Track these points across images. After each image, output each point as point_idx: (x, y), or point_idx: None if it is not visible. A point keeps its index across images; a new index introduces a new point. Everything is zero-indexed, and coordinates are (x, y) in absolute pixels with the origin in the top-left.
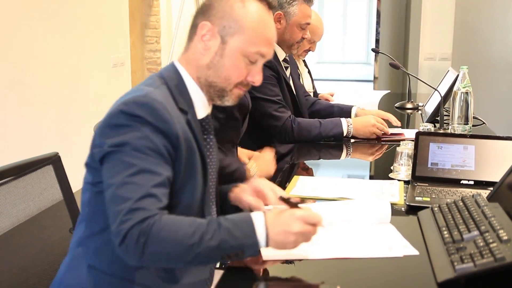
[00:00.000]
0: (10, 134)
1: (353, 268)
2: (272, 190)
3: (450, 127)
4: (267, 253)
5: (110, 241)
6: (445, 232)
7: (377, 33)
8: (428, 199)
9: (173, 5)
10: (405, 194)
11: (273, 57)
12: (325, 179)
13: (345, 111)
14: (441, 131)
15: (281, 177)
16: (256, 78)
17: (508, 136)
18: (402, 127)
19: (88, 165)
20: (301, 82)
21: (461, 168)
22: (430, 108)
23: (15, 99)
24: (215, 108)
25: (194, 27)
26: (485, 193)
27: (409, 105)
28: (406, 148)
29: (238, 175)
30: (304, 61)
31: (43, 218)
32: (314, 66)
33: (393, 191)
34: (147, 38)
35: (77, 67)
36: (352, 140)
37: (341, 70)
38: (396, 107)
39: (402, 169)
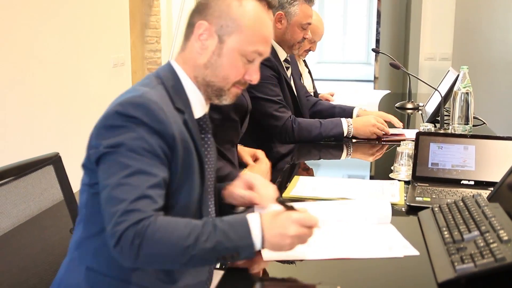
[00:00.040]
0: (11, 134)
1: (353, 268)
2: (264, 185)
3: (450, 127)
4: (267, 253)
5: (108, 243)
6: (446, 232)
7: (378, 33)
8: (429, 199)
9: (173, 5)
10: (405, 194)
11: (274, 57)
12: (326, 179)
13: (347, 112)
14: (442, 131)
15: (282, 177)
16: (254, 76)
17: (509, 136)
18: (402, 127)
19: (84, 166)
20: (302, 82)
21: (462, 168)
22: (430, 108)
23: (16, 99)
24: (211, 109)
25: (190, 26)
26: (485, 193)
27: (409, 105)
28: (406, 148)
29: (230, 180)
30: (304, 61)
31: (43, 218)
32: (315, 66)
33: (393, 191)
34: (147, 38)
35: (78, 67)
36: (354, 140)
37: (341, 70)
38: (397, 107)
39: (403, 169)
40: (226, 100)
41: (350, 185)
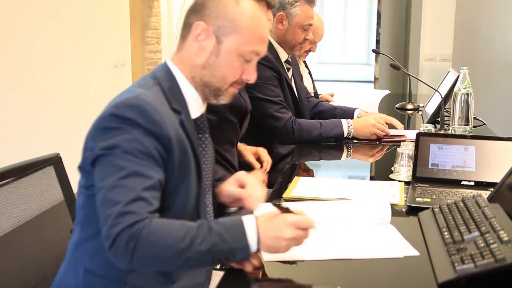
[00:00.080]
0: (11, 135)
1: (353, 268)
2: (255, 185)
3: (450, 128)
4: (268, 254)
5: (103, 245)
6: (446, 233)
7: (378, 34)
8: (429, 199)
9: (173, 5)
10: (405, 195)
11: (274, 58)
12: (326, 180)
13: (348, 113)
14: (442, 132)
15: (282, 178)
16: (251, 76)
17: (509, 137)
18: (403, 129)
19: (81, 168)
20: (303, 84)
21: (462, 169)
22: (430, 109)
23: (16, 99)
24: (207, 111)
25: (187, 26)
26: (485, 194)
27: (409, 106)
28: (406, 149)
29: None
30: (304, 62)
31: (44, 218)
32: (315, 67)
33: (393, 192)
34: (147, 39)
35: (78, 68)
36: (355, 141)
37: (341, 71)
38: (397, 108)
39: (403, 170)
40: (224, 100)
41: (350, 186)
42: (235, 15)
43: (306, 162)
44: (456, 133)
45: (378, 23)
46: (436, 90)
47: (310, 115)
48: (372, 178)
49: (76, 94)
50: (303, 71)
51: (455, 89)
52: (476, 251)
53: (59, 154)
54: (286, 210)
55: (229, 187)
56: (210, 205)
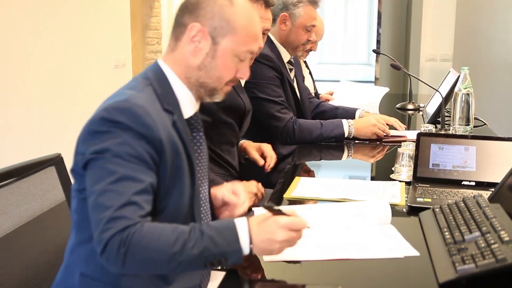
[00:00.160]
0: (13, 135)
1: (354, 269)
2: (242, 194)
3: (451, 128)
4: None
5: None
6: (447, 233)
7: (378, 34)
8: (430, 200)
9: (174, 6)
10: (406, 195)
11: (277, 58)
12: (327, 180)
13: (350, 113)
14: (442, 132)
15: (283, 178)
16: (246, 74)
17: (509, 137)
18: (405, 129)
19: (73, 171)
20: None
21: (462, 169)
22: (431, 109)
23: (17, 100)
24: (200, 112)
25: (181, 26)
26: (486, 194)
27: (410, 106)
28: (407, 149)
29: (213, 186)
30: (305, 62)
31: (45, 219)
32: (315, 67)
33: (394, 192)
34: (148, 39)
35: (79, 68)
36: (356, 141)
37: (342, 71)
38: (397, 108)
39: (404, 170)
40: (218, 98)
41: (351, 186)
42: (231, 15)
43: (306, 162)
44: (457, 133)
45: (379, 23)
46: (437, 90)
47: (312, 115)
48: (372, 178)
49: (77, 94)
50: (304, 71)
51: (456, 89)
52: (477, 251)
53: (60, 154)
54: (278, 212)
55: (223, 192)
56: (206, 202)
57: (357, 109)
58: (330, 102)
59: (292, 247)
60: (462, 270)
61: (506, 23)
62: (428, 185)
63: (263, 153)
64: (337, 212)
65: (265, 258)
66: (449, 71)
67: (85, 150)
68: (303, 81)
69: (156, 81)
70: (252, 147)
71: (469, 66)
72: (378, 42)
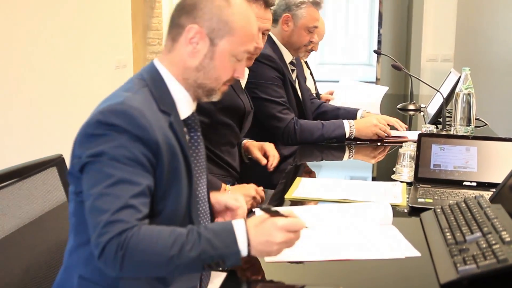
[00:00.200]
0: (14, 136)
1: (355, 269)
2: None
3: (452, 128)
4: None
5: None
6: (448, 234)
7: (379, 34)
8: (431, 200)
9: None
10: (407, 196)
11: (279, 58)
12: (328, 180)
13: (351, 114)
14: (444, 133)
15: (284, 179)
16: (242, 74)
17: (511, 137)
18: (407, 129)
19: (70, 174)
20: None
21: (464, 169)
22: (432, 109)
23: (18, 101)
24: (198, 113)
25: (178, 27)
26: (487, 194)
27: (411, 107)
28: (408, 150)
29: (211, 187)
30: (306, 62)
31: (47, 219)
32: (316, 68)
33: (395, 192)
34: (149, 40)
35: (80, 69)
36: (358, 142)
37: (343, 72)
38: (398, 109)
39: (405, 170)
40: (215, 98)
41: (352, 187)
42: (229, 16)
43: (308, 163)
44: (458, 133)
45: (380, 24)
46: (438, 91)
47: (313, 116)
48: (374, 179)
49: (79, 95)
50: (305, 72)
51: (457, 90)
52: (478, 252)
53: (62, 155)
54: (275, 214)
55: (226, 197)
56: (205, 202)
57: (358, 109)
58: (330, 102)
59: (291, 248)
60: (463, 270)
61: (507, 23)
62: (429, 186)
63: (266, 152)
64: (338, 213)
65: (266, 259)
66: (450, 72)
67: (82, 154)
68: (305, 82)
69: (152, 82)
70: (254, 147)
71: (470, 66)
72: (379, 42)
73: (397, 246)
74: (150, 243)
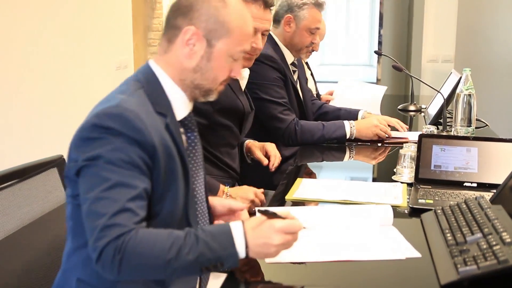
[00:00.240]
0: (15, 137)
1: (355, 270)
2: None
3: (453, 129)
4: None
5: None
6: (448, 235)
7: (380, 35)
8: (431, 201)
9: None
10: (408, 197)
11: (281, 59)
12: (328, 181)
13: (352, 115)
14: (444, 134)
15: (285, 180)
16: (239, 73)
17: (511, 138)
18: (407, 129)
19: (67, 177)
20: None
21: (464, 170)
22: (433, 110)
23: (19, 102)
24: (195, 114)
25: (174, 29)
26: (488, 195)
27: (412, 107)
28: (409, 151)
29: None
30: (307, 63)
31: (47, 220)
32: (317, 68)
33: (396, 193)
34: (150, 41)
35: (81, 70)
36: (359, 143)
37: (343, 72)
38: (399, 110)
39: (405, 171)
40: (212, 98)
41: (353, 188)
42: (225, 17)
43: (308, 164)
44: (459, 134)
45: (380, 25)
46: (439, 92)
47: (314, 117)
48: (374, 180)
49: (79, 96)
50: (306, 73)
51: (458, 91)
52: (478, 253)
53: (62, 156)
54: (273, 216)
55: (229, 200)
56: (203, 202)
57: (359, 110)
58: (330, 103)
59: (292, 249)
60: (464, 271)
61: (508, 24)
62: (430, 187)
63: (267, 152)
64: (339, 213)
65: (266, 260)
66: (451, 72)
67: (78, 157)
68: (306, 83)
69: (148, 84)
70: (256, 147)
71: (471, 67)
72: (379, 43)
73: (398, 247)
74: (148, 246)
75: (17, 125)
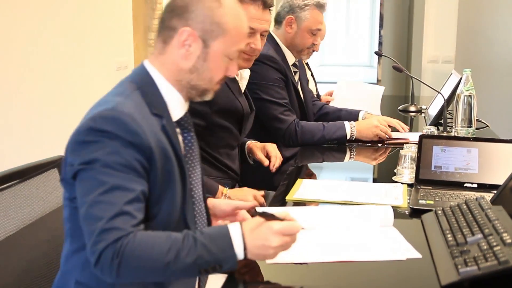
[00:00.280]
0: (15, 137)
1: (356, 271)
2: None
3: (453, 130)
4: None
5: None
6: (449, 235)
7: (380, 36)
8: (432, 202)
9: None
10: (408, 197)
11: (282, 60)
12: (329, 182)
13: (353, 115)
14: (445, 134)
15: (285, 180)
16: (234, 72)
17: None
18: (408, 130)
19: (63, 180)
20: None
21: (465, 171)
22: (433, 111)
23: (19, 102)
24: (193, 116)
25: (169, 30)
26: (488, 196)
27: (412, 108)
28: (409, 151)
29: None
30: (307, 64)
31: (48, 221)
32: (317, 69)
33: (396, 194)
34: (150, 41)
35: (81, 71)
36: (360, 144)
37: (344, 73)
38: (399, 110)
39: (406, 172)
40: (208, 97)
41: (353, 188)
42: (221, 17)
43: (309, 164)
44: (459, 135)
45: (381, 25)
46: (439, 92)
47: (315, 118)
48: (375, 181)
49: (79, 96)
50: (307, 73)
51: (458, 91)
52: (479, 254)
53: (62, 156)
54: (271, 217)
55: (227, 200)
56: (201, 202)
57: (360, 110)
58: (330, 103)
59: (292, 249)
60: (464, 272)
61: (509, 24)
62: (430, 187)
63: (268, 153)
64: (339, 214)
65: (267, 261)
66: (451, 73)
67: (74, 161)
68: (307, 84)
69: (143, 85)
70: (257, 148)
71: (471, 67)
72: (380, 44)
73: (398, 247)
74: (146, 250)
75: (17, 126)
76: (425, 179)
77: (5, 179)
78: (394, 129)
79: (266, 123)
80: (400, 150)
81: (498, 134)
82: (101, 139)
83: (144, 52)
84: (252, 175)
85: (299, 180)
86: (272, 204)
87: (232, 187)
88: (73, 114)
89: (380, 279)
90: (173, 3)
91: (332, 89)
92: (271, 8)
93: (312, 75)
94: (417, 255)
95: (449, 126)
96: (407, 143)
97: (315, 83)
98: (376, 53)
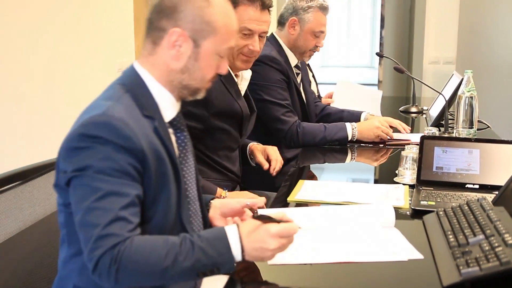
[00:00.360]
0: (16, 139)
1: (357, 272)
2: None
3: (454, 131)
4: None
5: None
6: (451, 236)
7: (381, 37)
8: (433, 203)
9: None
10: (410, 198)
11: (284, 61)
12: (330, 183)
13: (355, 116)
14: (446, 135)
15: (287, 181)
16: (225, 69)
17: None
18: (410, 131)
19: (57, 187)
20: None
21: (466, 172)
22: (434, 112)
23: (20, 103)
24: (189, 118)
25: (159, 31)
26: (490, 197)
27: (413, 109)
28: (411, 152)
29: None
30: (308, 65)
31: (49, 222)
32: (318, 70)
33: (398, 195)
34: None
35: (82, 72)
36: (362, 144)
37: (345, 74)
38: (401, 111)
39: (407, 173)
40: (200, 96)
41: (355, 189)
42: (210, 16)
43: (310, 165)
44: (460, 136)
45: (382, 26)
46: (440, 93)
47: (317, 119)
48: (376, 181)
49: (81, 98)
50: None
51: (459, 92)
52: (481, 254)
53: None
54: (268, 220)
55: (237, 198)
56: (196, 201)
57: (362, 111)
58: (331, 105)
59: (292, 251)
60: (466, 273)
61: (510, 25)
62: (432, 188)
63: (268, 156)
64: (340, 215)
65: (268, 262)
66: (453, 74)
67: (67, 168)
68: (310, 85)
69: (134, 87)
70: (258, 150)
71: (473, 69)
72: (381, 45)
73: (400, 248)
74: (144, 255)
75: (19, 127)
76: (426, 180)
77: (7, 180)
78: (396, 130)
79: (268, 124)
80: (402, 151)
81: (500, 135)
82: (92, 145)
83: None
84: (253, 176)
85: (300, 181)
86: (273, 205)
87: (232, 189)
88: (74, 115)
89: (382, 280)
90: (161, 4)
91: (332, 90)
92: (270, 9)
93: (313, 76)
94: (418, 256)
95: (450, 127)
96: (409, 144)
97: (316, 84)
98: (377, 54)
